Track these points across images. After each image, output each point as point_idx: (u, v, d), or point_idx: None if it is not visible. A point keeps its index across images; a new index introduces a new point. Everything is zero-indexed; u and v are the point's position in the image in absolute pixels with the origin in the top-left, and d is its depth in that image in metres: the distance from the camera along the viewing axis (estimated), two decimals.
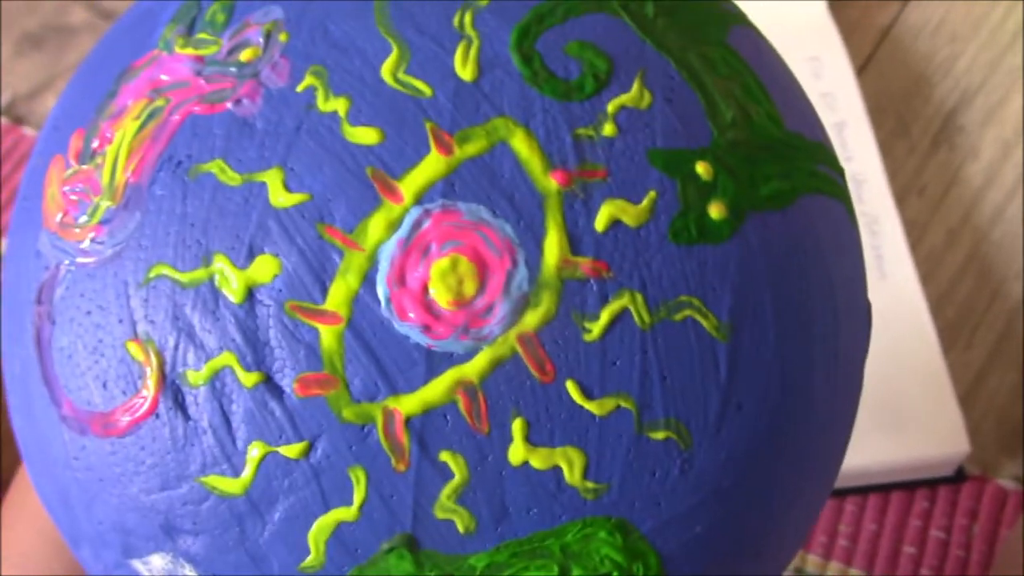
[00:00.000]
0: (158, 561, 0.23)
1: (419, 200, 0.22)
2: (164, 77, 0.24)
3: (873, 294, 0.48)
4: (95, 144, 0.24)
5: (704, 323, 0.23)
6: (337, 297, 0.22)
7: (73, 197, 0.24)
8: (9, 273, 0.26)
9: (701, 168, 0.23)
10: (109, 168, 0.24)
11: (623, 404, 0.22)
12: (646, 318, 0.22)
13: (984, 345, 0.49)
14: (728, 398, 0.23)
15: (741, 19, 0.27)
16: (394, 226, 0.22)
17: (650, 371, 0.22)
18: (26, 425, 0.25)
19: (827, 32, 0.55)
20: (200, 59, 0.24)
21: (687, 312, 0.23)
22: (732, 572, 0.24)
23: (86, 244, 0.24)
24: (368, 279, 0.22)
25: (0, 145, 0.54)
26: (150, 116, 0.24)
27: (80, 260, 0.24)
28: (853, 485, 0.45)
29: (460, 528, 0.22)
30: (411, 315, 0.22)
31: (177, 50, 0.25)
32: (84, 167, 0.24)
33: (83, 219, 0.24)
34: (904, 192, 0.53)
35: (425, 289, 0.22)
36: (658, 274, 0.23)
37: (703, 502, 0.23)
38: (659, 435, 0.22)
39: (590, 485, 0.22)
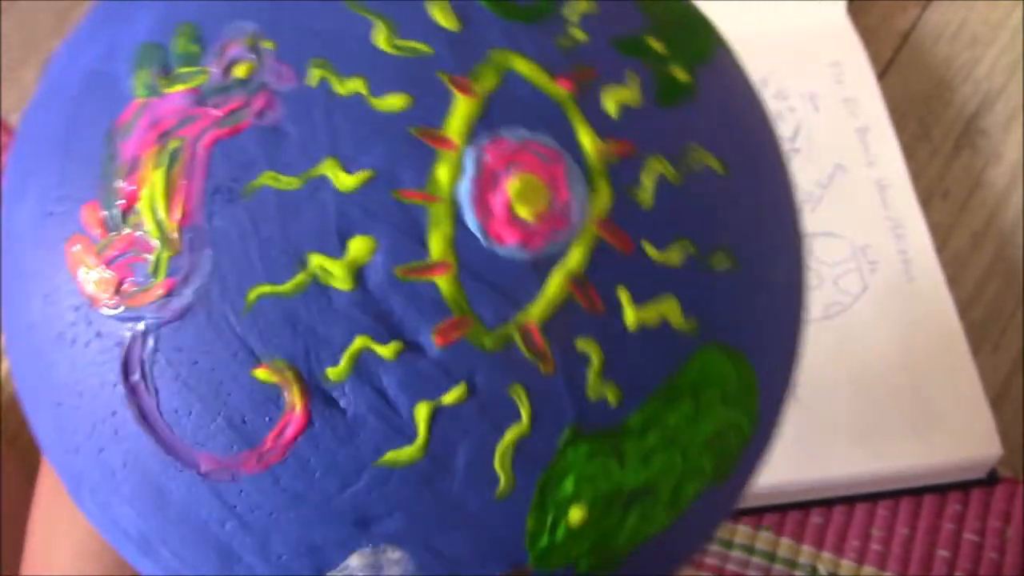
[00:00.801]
0: (356, 560, 0.24)
1: (469, 141, 0.24)
2: (166, 119, 0.24)
3: (901, 298, 0.48)
4: (120, 205, 0.24)
5: (710, 163, 0.26)
6: (439, 247, 0.23)
7: (124, 263, 0.24)
8: (48, 374, 0.25)
9: (655, 44, 0.27)
10: (151, 221, 0.24)
11: (687, 247, 0.25)
12: (674, 173, 0.26)
13: (1013, 347, 0.49)
14: (753, 218, 0.27)
15: None
16: (459, 169, 0.24)
17: (695, 214, 0.26)
18: (150, 509, 0.25)
19: (847, 37, 0.55)
20: (195, 90, 0.24)
21: (696, 156, 0.26)
22: (792, 352, 0.29)
23: (160, 302, 0.24)
24: (459, 222, 0.24)
25: None
26: (173, 158, 0.24)
27: (160, 319, 0.24)
28: (886, 489, 0.45)
29: (612, 401, 0.24)
30: (508, 237, 0.24)
31: (165, 91, 0.24)
32: (119, 234, 0.24)
33: (144, 280, 0.24)
34: (928, 196, 0.53)
35: (510, 212, 0.24)
36: (664, 136, 0.26)
37: (768, 302, 0.27)
38: (720, 263, 0.26)
39: (691, 322, 0.25)
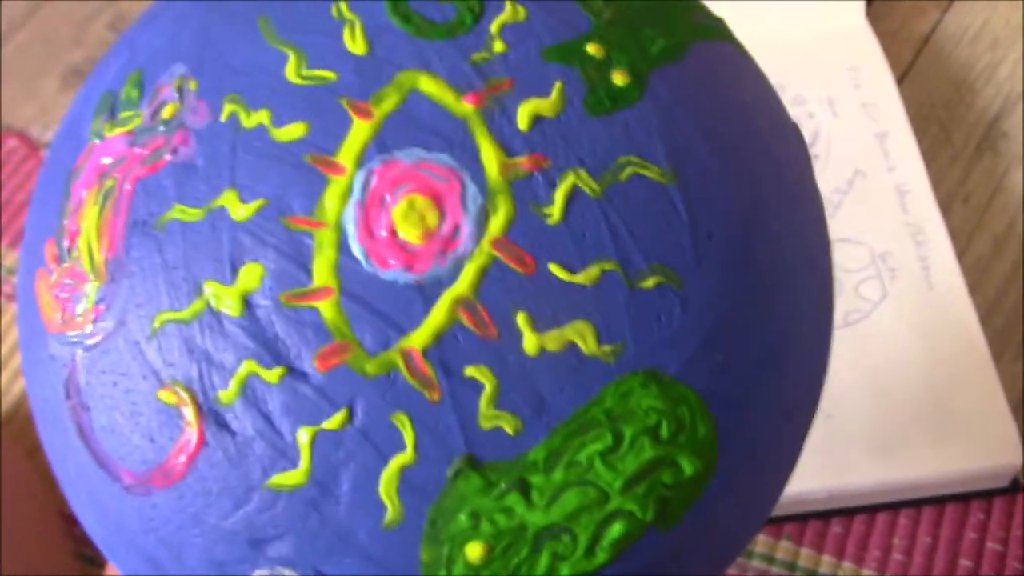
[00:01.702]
0: None
1: (360, 164, 0.24)
2: (105, 160, 0.26)
3: (921, 305, 0.48)
4: (66, 243, 0.26)
5: (649, 174, 0.25)
6: (322, 272, 0.24)
7: (64, 295, 0.26)
8: (33, 389, 0.27)
9: (592, 48, 0.26)
10: (86, 254, 0.25)
11: (606, 267, 0.24)
12: (595, 187, 0.24)
13: None
14: (696, 231, 0.25)
15: None
16: (347, 194, 0.24)
17: (618, 230, 0.24)
18: (97, 515, 0.26)
19: (866, 42, 0.55)
20: (130, 133, 0.26)
21: (629, 170, 0.25)
22: (766, 388, 0.26)
23: (89, 328, 0.25)
24: (343, 247, 0.24)
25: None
26: (105, 196, 0.25)
27: (89, 343, 0.25)
28: (907, 498, 0.45)
29: (509, 430, 0.24)
30: (391, 261, 0.24)
31: (107, 135, 0.26)
32: (64, 265, 0.26)
33: (80, 307, 0.25)
34: (949, 200, 0.53)
35: (394, 234, 0.24)
36: (591, 147, 0.25)
37: (713, 330, 0.25)
38: (649, 283, 0.24)
39: (607, 348, 0.24)
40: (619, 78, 0.25)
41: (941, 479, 0.44)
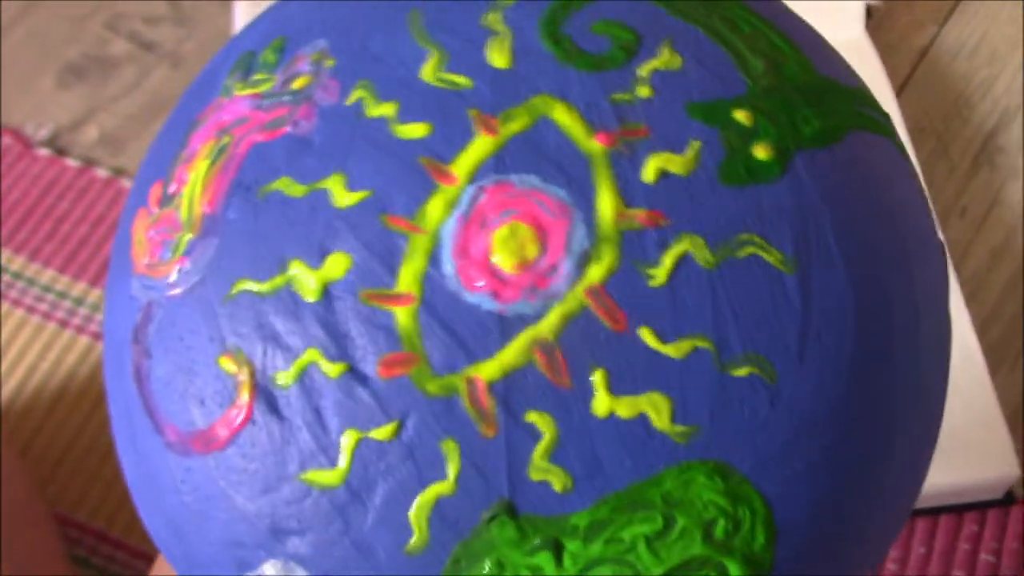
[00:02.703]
0: (270, 569, 0.24)
1: (472, 179, 0.23)
2: (227, 118, 0.26)
3: None
4: (172, 188, 0.26)
5: (768, 258, 0.23)
6: (407, 278, 0.23)
7: (158, 239, 0.26)
8: (109, 323, 0.27)
9: (740, 115, 0.24)
10: (186, 205, 0.25)
11: (700, 344, 0.23)
12: (709, 258, 0.23)
13: None
14: (806, 328, 0.23)
15: None
16: (452, 206, 0.23)
17: (722, 309, 0.23)
18: (133, 461, 0.26)
19: (865, 54, 0.55)
20: (258, 96, 0.26)
21: (750, 249, 0.23)
22: (842, 518, 0.24)
23: (173, 277, 0.25)
24: (434, 258, 0.23)
25: (43, 177, 0.55)
26: (219, 153, 0.25)
27: (169, 294, 0.25)
28: None
29: (557, 487, 0.22)
30: (479, 284, 0.23)
31: (236, 93, 0.26)
32: (164, 210, 0.26)
33: (168, 256, 0.25)
34: (946, 213, 0.53)
35: (489, 257, 0.23)
36: (714, 216, 0.23)
37: (798, 436, 0.23)
38: (742, 371, 0.23)
39: (680, 429, 0.22)
40: (762, 152, 0.24)
41: (936, 491, 0.44)
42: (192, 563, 0.25)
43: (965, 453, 0.44)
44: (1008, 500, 0.45)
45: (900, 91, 0.57)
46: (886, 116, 0.27)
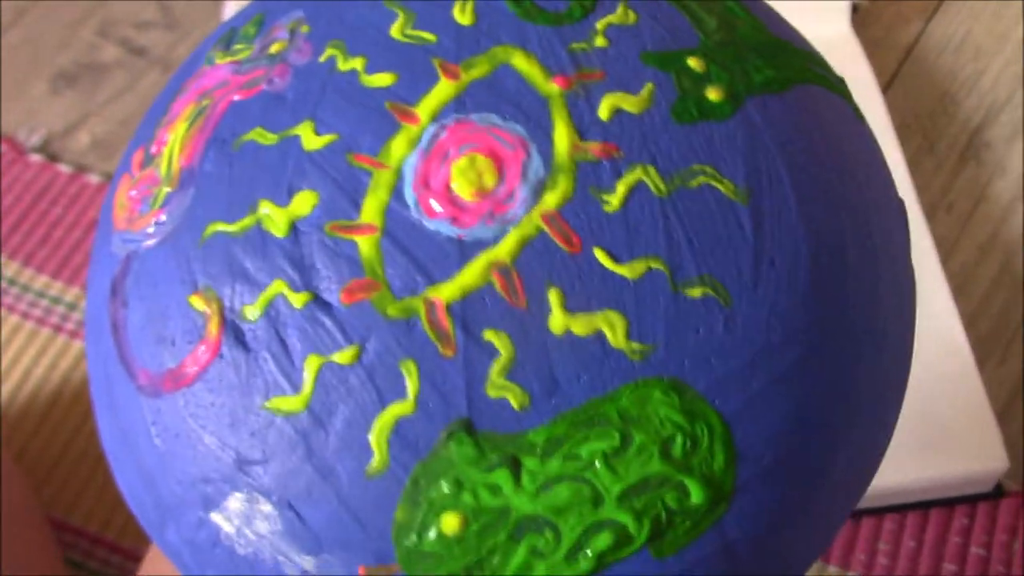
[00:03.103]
0: (234, 504, 0.24)
1: (434, 119, 0.25)
2: (207, 83, 0.27)
3: None
4: (153, 150, 0.27)
5: (721, 188, 0.24)
6: (370, 210, 0.24)
7: (138, 197, 0.27)
8: (90, 291, 0.28)
9: (693, 62, 0.25)
10: (165, 162, 0.26)
11: (653, 265, 0.23)
12: (662, 187, 0.24)
13: (1019, 360, 0.49)
14: (759, 256, 0.24)
15: None
16: (414, 143, 0.24)
17: (674, 234, 0.24)
18: (110, 420, 0.26)
19: (851, 51, 0.55)
20: (237, 63, 0.27)
21: (702, 179, 0.24)
22: (802, 449, 0.24)
23: (151, 228, 0.26)
24: (396, 191, 0.24)
25: (35, 183, 0.55)
26: (198, 114, 0.26)
27: (146, 244, 0.26)
28: (892, 503, 0.45)
29: (515, 404, 0.23)
30: (438, 209, 0.24)
31: (217, 61, 0.28)
32: (145, 171, 0.27)
33: (146, 209, 0.26)
34: (932, 209, 0.53)
35: (448, 187, 0.24)
36: (667, 149, 0.24)
37: (754, 359, 0.23)
38: (696, 292, 0.23)
39: (636, 346, 0.23)
40: (714, 94, 0.25)
41: (925, 484, 0.45)
42: (162, 509, 0.25)
43: (954, 447, 0.45)
44: (998, 493, 0.45)
45: (886, 88, 0.57)
46: (841, 80, 0.28)
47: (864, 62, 0.55)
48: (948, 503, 0.45)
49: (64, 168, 0.56)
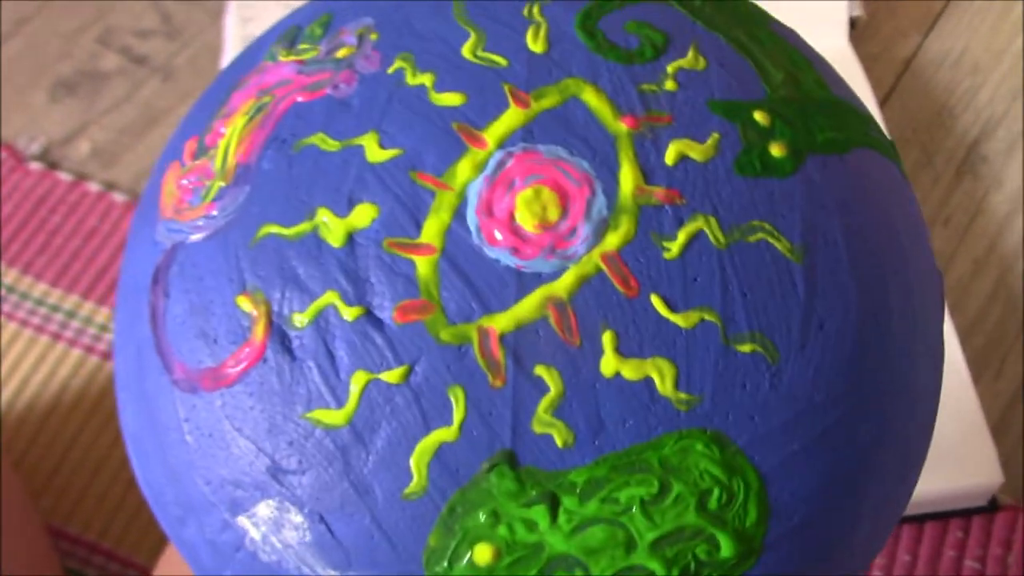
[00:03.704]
0: (264, 510, 0.24)
1: (501, 145, 0.25)
2: (269, 79, 0.27)
3: None
4: (208, 140, 0.27)
5: (777, 245, 0.24)
6: (431, 231, 0.24)
7: (189, 187, 0.26)
8: (126, 271, 0.28)
9: (759, 115, 0.26)
10: (221, 155, 0.26)
11: (707, 317, 0.23)
12: (721, 238, 0.24)
13: (1014, 374, 0.49)
14: (809, 315, 0.24)
15: (777, 22, 0.29)
16: (480, 167, 0.24)
17: (730, 287, 0.24)
18: (137, 409, 0.26)
19: (849, 65, 0.56)
20: (301, 62, 0.27)
21: (760, 235, 0.24)
22: (833, 507, 0.24)
23: (200, 221, 0.26)
24: (459, 213, 0.24)
25: (35, 191, 0.55)
26: (258, 110, 0.26)
27: (194, 237, 0.26)
28: None
29: (559, 442, 0.23)
30: (499, 238, 0.24)
31: (281, 59, 0.27)
32: (198, 161, 0.27)
33: (197, 201, 0.26)
34: (929, 222, 0.53)
35: (512, 217, 0.24)
36: (728, 201, 0.24)
37: (796, 418, 0.24)
38: (745, 348, 0.23)
39: (683, 396, 0.23)
40: (777, 149, 0.25)
41: (921, 498, 0.45)
42: (185, 506, 0.25)
43: (949, 461, 0.45)
44: (992, 507, 0.46)
45: (884, 101, 0.57)
46: (892, 144, 0.28)
47: (862, 76, 0.55)
48: (943, 516, 0.46)
49: (64, 176, 0.56)
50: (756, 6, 0.29)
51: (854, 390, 0.24)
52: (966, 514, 0.46)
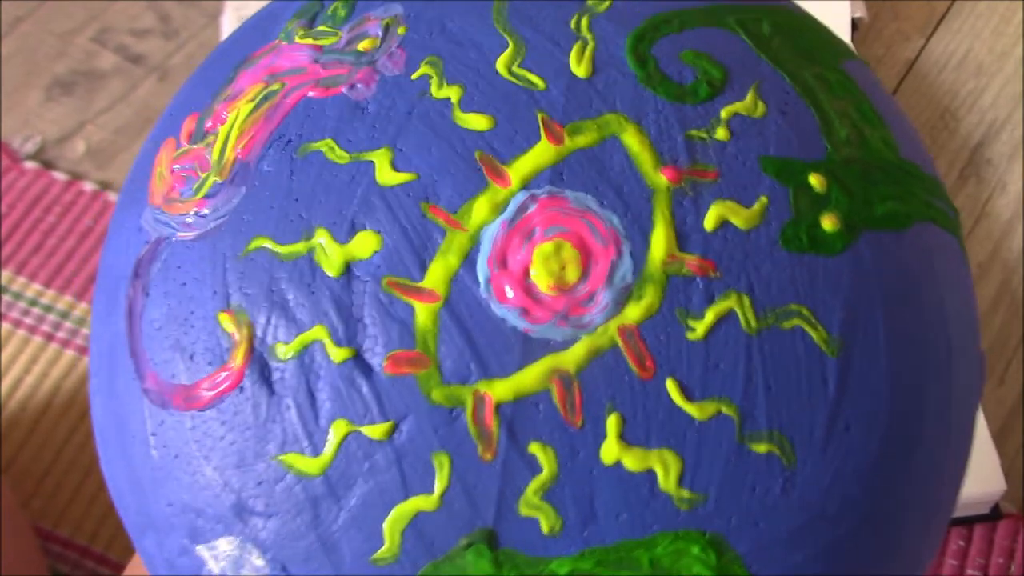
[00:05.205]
0: (225, 546, 0.22)
1: (526, 185, 0.22)
2: (282, 63, 0.25)
3: None
4: (208, 125, 0.25)
5: (813, 334, 0.22)
6: (436, 275, 0.22)
7: (181, 174, 0.24)
8: (108, 252, 0.26)
9: (814, 180, 0.23)
10: (219, 146, 0.24)
11: (724, 410, 0.21)
12: (753, 322, 0.22)
13: (1017, 381, 0.48)
14: (835, 417, 0.22)
15: (853, 54, 0.27)
16: (499, 209, 0.22)
17: (755, 378, 0.22)
18: (106, 404, 0.25)
19: None
20: (318, 48, 0.25)
21: (796, 321, 0.22)
22: None
23: (190, 218, 0.24)
24: (469, 259, 0.22)
25: (29, 191, 0.55)
26: (265, 98, 0.24)
27: (181, 234, 0.24)
28: None
29: (544, 528, 0.21)
30: (510, 295, 0.22)
31: (297, 40, 0.25)
32: (195, 146, 0.25)
33: (188, 194, 0.24)
34: None
35: (526, 273, 0.22)
36: (767, 279, 0.22)
37: (805, 528, 0.22)
38: (761, 448, 0.21)
39: (685, 494, 0.21)
40: (829, 222, 0.23)
41: None
42: (144, 517, 0.24)
43: None
44: (994, 515, 0.45)
45: None
46: (956, 212, 0.26)
47: None
48: None
49: (59, 176, 0.55)
50: (831, 35, 0.26)
51: (871, 498, 0.22)
52: (968, 522, 0.45)
